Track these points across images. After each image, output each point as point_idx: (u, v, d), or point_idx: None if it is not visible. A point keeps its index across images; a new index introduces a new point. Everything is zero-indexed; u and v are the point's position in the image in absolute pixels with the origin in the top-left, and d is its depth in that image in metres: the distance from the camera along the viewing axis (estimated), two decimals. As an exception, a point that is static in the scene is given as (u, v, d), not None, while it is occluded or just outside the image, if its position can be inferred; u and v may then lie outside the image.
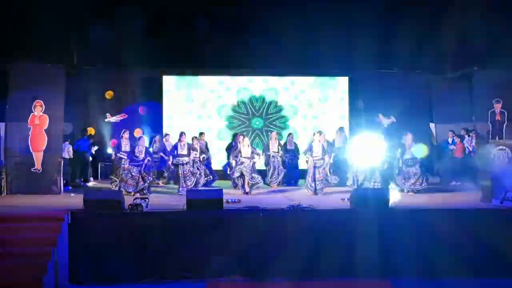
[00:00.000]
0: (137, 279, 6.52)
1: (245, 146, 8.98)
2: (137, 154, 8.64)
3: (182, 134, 9.13)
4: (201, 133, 10.54)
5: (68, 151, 9.85)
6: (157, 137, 10.46)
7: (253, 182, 8.93)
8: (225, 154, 10.78)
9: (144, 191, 8.53)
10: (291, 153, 10.28)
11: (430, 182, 9.47)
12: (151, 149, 9.57)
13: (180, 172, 8.90)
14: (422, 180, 8.69)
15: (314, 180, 8.65)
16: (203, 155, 9.61)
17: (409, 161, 8.76)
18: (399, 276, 6.56)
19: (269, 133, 10.94)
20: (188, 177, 8.86)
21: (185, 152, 8.94)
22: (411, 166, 8.73)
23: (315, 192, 8.64)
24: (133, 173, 8.51)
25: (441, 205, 7.42)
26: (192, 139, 9.70)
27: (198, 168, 9.21)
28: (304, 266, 6.59)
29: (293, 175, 10.26)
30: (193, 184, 8.87)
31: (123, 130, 9.31)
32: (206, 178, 9.64)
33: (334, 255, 6.60)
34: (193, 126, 11.41)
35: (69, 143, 9.94)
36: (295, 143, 10.56)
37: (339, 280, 6.53)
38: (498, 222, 6.72)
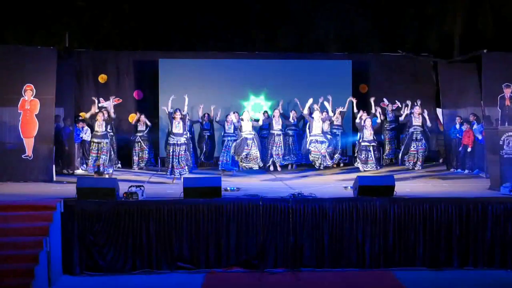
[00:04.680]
0: (133, 270, 6.39)
1: (243, 121, 8.68)
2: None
3: (177, 110, 8.56)
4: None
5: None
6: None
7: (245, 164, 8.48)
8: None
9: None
10: (293, 130, 9.88)
11: (437, 170, 9.27)
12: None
13: (171, 152, 8.17)
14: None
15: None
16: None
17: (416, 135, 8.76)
18: (402, 266, 6.47)
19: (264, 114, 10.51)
20: (181, 160, 8.21)
21: (180, 130, 8.34)
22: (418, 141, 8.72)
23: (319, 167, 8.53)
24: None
25: (447, 193, 7.24)
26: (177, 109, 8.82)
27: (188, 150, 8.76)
28: (305, 256, 6.49)
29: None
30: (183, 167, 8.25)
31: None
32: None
33: (336, 245, 6.52)
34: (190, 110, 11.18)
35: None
36: (298, 118, 10.16)
37: (341, 271, 6.45)
38: (507, 211, 6.54)
